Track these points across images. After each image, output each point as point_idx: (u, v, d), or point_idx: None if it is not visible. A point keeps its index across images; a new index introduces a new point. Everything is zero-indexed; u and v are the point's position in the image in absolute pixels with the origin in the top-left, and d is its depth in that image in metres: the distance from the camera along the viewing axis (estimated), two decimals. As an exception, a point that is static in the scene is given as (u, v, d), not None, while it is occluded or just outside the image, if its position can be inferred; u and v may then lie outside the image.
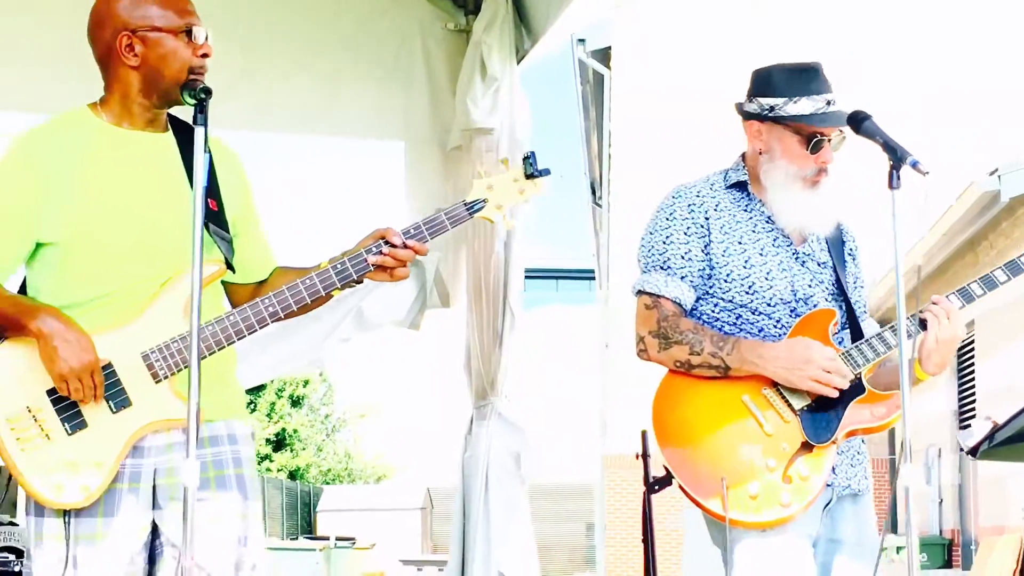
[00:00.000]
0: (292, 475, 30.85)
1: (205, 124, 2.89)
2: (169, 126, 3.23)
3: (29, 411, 3.04)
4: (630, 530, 20.20)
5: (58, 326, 3.00)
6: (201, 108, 2.93)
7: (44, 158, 3.11)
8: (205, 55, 3.13)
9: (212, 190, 3.16)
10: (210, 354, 3.07)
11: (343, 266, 3.14)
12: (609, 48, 18.59)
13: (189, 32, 3.12)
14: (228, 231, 3.18)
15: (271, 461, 31.44)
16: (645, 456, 4.65)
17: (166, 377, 3.07)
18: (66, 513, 3.05)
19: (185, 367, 3.07)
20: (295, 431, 31.94)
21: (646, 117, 18.79)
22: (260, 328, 3.11)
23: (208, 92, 2.95)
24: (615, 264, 18.14)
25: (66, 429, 3.04)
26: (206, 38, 3.14)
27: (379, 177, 5.80)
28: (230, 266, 3.16)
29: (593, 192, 20.13)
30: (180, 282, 3.10)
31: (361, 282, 3.17)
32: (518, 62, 5.67)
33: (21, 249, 3.12)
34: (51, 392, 3.04)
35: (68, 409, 3.04)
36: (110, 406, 3.05)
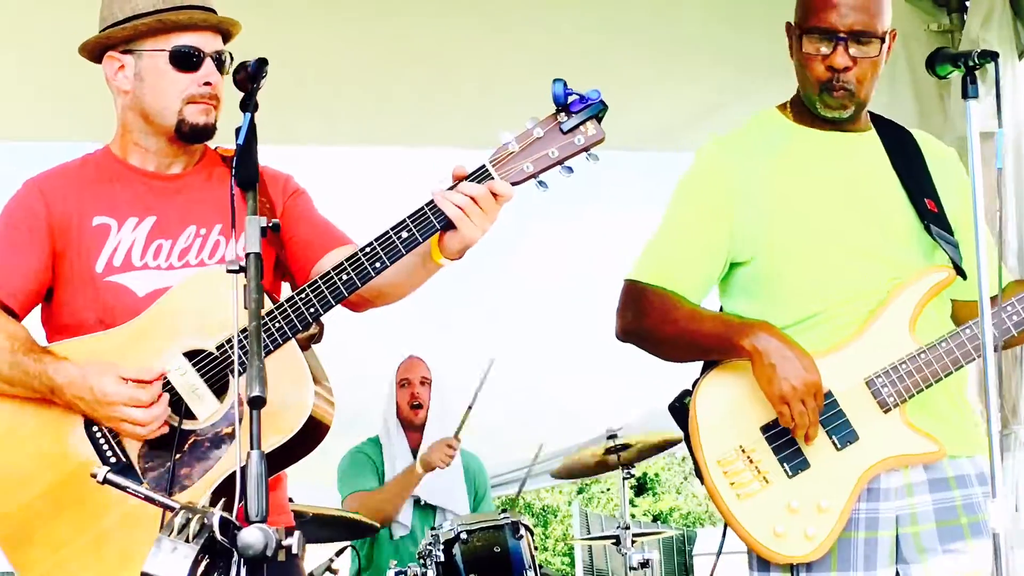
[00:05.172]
0: (655, 519, 29.88)
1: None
2: (871, 124, 2.86)
3: (742, 451, 2.68)
4: None
5: (775, 343, 2.61)
6: (972, 79, 2.55)
7: (735, 166, 2.77)
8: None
9: (928, 190, 2.77)
10: (936, 381, 2.66)
11: None
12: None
13: None
14: (952, 234, 2.77)
15: (634, 506, 30.42)
16: None
17: (896, 406, 2.67)
18: (794, 568, 2.66)
19: (917, 392, 2.67)
20: (656, 475, 30.80)
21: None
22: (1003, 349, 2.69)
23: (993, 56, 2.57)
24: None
25: (786, 470, 2.66)
26: None
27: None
28: (960, 272, 2.72)
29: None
30: (903, 293, 2.70)
31: None
32: (1019, 59, 5.15)
33: (714, 269, 2.79)
34: (765, 428, 2.68)
35: (787, 447, 2.67)
36: (834, 442, 2.66)
